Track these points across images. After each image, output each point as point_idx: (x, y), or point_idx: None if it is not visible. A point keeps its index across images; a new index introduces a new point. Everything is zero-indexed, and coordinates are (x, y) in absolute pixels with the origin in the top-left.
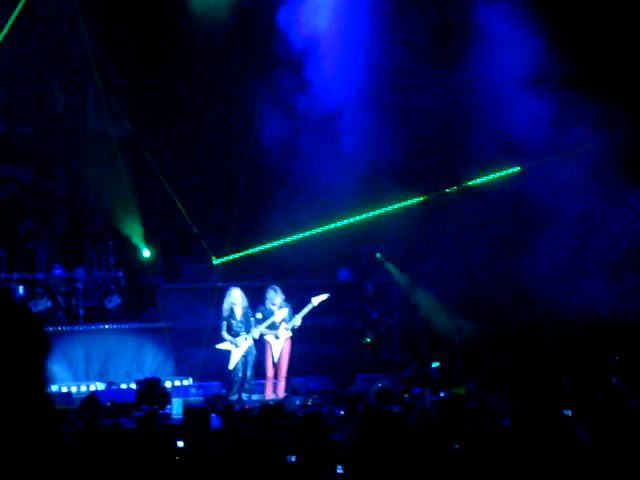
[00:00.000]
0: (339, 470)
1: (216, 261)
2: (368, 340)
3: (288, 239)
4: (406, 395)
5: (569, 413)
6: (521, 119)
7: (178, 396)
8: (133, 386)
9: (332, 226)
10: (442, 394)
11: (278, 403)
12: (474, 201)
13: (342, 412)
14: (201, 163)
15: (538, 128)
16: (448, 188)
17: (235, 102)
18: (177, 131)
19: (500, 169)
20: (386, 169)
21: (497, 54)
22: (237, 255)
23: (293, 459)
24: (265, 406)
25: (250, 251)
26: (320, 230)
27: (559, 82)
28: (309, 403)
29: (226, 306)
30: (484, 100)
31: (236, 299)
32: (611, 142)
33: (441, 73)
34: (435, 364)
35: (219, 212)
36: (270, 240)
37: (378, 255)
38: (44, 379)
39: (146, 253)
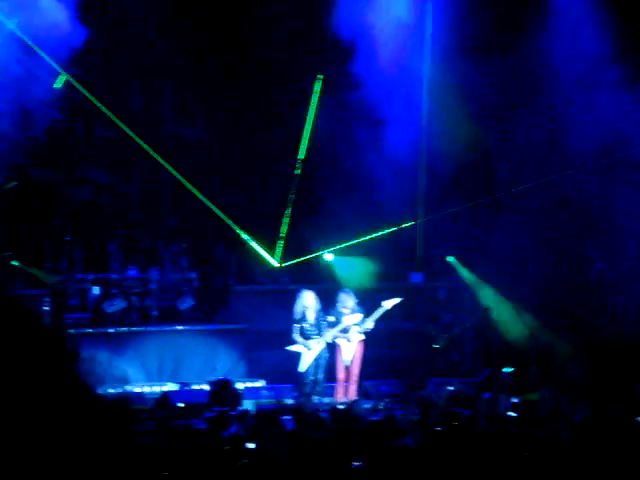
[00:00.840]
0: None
1: (278, 264)
2: (440, 345)
3: (356, 241)
4: (478, 400)
5: None
6: (580, 120)
7: (250, 398)
8: (205, 387)
9: (395, 229)
10: (515, 400)
11: (348, 406)
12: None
13: (413, 416)
14: (268, 166)
15: (596, 128)
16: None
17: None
18: (245, 132)
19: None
20: (441, 173)
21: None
22: (300, 259)
23: (359, 464)
24: (335, 409)
25: (314, 255)
26: (384, 232)
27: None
28: (380, 407)
29: (298, 309)
30: (543, 103)
31: (309, 302)
32: None
33: (500, 70)
34: (508, 369)
35: (285, 215)
36: (338, 244)
37: (450, 259)
38: (83, 383)
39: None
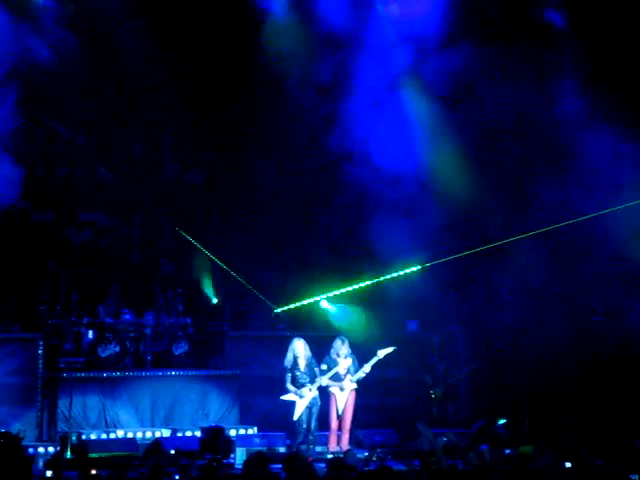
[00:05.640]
0: None
1: (277, 310)
2: (435, 394)
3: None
4: (471, 453)
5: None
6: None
7: (242, 445)
8: (198, 434)
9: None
10: (507, 452)
11: (341, 456)
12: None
13: (406, 467)
14: (268, 209)
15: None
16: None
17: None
18: (248, 178)
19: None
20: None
21: None
22: (297, 304)
23: None
24: (328, 459)
25: (311, 300)
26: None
27: None
28: (373, 458)
29: (289, 357)
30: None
31: (299, 351)
32: None
33: None
34: (502, 421)
35: (282, 260)
36: (333, 290)
37: None
38: None
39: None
